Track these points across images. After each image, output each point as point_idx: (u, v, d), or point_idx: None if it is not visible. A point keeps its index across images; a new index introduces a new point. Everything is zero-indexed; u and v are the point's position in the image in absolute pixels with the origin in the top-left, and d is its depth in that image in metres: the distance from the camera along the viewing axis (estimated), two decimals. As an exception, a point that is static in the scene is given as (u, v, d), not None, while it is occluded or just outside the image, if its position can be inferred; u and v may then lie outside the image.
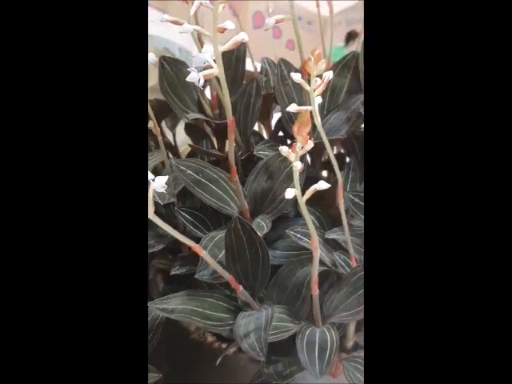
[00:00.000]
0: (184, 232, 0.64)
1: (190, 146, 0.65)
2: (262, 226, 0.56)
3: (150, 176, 0.42)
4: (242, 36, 0.46)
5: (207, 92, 0.69)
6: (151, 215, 0.43)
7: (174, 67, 0.65)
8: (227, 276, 0.52)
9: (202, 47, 0.62)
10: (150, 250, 0.60)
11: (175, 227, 0.64)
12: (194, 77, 0.46)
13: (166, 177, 0.43)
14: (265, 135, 0.70)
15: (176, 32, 0.76)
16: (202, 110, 0.67)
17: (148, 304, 0.53)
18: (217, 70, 0.47)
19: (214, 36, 0.46)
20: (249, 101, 0.63)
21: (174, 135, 0.72)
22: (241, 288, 0.53)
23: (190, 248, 0.65)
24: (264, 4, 1.33)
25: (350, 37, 1.08)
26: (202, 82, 0.46)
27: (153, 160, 0.62)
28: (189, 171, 0.57)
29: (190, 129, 0.70)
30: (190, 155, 0.69)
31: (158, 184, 0.43)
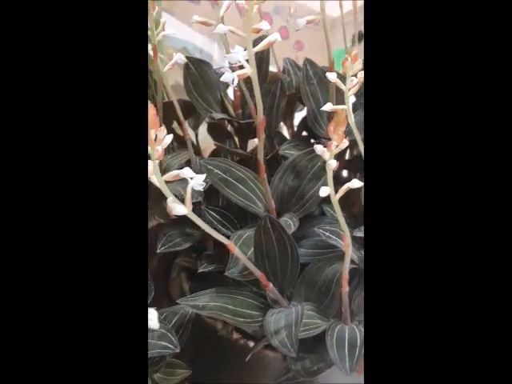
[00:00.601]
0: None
1: (215, 145, 0.65)
2: (289, 224, 0.57)
3: (190, 174, 0.42)
4: (276, 36, 0.47)
5: (229, 92, 0.69)
6: (189, 212, 0.44)
7: (198, 68, 0.66)
8: (258, 273, 0.52)
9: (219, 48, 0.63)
10: (176, 249, 0.60)
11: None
12: (229, 77, 0.47)
13: (204, 175, 0.44)
14: (286, 135, 0.71)
15: (189, 33, 0.75)
16: (224, 110, 0.68)
17: (178, 301, 0.53)
18: (250, 69, 0.47)
19: (248, 36, 0.46)
20: (273, 101, 0.63)
21: (196, 135, 0.72)
22: (271, 285, 0.53)
23: (215, 246, 0.66)
24: (271, 5, 1.34)
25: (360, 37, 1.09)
26: (236, 81, 0.47)
27: (179, 159, 0.63)
28: (216, 170, 0.58)
29: (213, 129, 0.70)
30: (213, 155, 0.69)
31: (196, 182, 0.44)
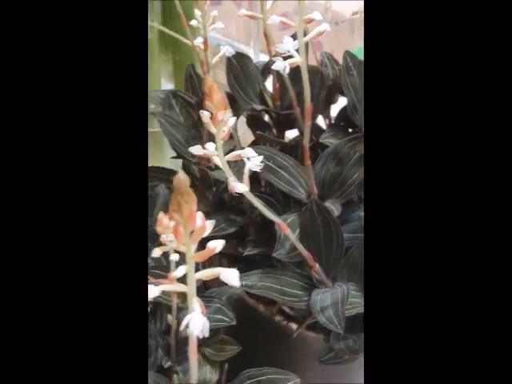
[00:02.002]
0: (250, 217, 0.68)
1: (256, 134, 0.68)
2: (332, 209, 0.59)
3: (251, 154, 0.45)
4: (325, 26, 0.50)
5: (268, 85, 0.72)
6: (248, 191, 0.46)
7: (240, 61, 0.69)
8: (305, 253, 0.55)
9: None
10: (222, 233, 0.63)
11: (242, 212, 0.68)
12: (280, 65, 0.50)
13: (262, 157, 0.46)
14: (323, 125, 0.73)
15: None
16: (263, 102, 0.71)
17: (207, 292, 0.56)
18: (300, 58, 0.50)
19: (300, 26, 0.49)
20: (313, 91, 0.66)
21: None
22: (317, 265, 0.56)
23: (256, 232, 0.68)
24: (292, 5, 1.36)
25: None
26: (287, 70, 0.50)
27: (225, 148, 0.65)
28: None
29: (252, 121, 0.73)
30: (252, 145, 0.72)
31: (253, 163, 0.46)
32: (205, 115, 0.42)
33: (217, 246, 0.33)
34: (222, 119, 0.41)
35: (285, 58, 0.50)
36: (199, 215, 0.32)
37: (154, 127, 0.84)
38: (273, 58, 0.50)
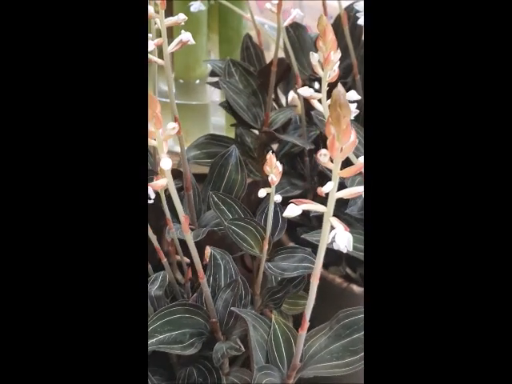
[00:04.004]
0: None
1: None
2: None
3: (355, 97, 0.46)
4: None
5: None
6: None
7: (296, 31, 0.70)
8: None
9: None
10: (288, 194, 0.64)
11: (302, 176, 0.69)
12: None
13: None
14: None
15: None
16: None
17: (303, 236, 0.57)
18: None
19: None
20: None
21: (286, 99, 0.77)
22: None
23: (315, 197, 0.70)
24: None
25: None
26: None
27: (285, 114, 0.67)
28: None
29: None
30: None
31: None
32: (314, 57, 0.43)
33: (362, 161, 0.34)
34: (333, 59, 0.43)
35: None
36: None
37: (198, 100, 0.85)
38: (357, 14, 0.52)
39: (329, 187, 0.34)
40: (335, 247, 0.35)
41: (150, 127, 0.37)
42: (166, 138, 0.38)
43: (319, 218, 0.64)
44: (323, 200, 0.61)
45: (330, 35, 0.42)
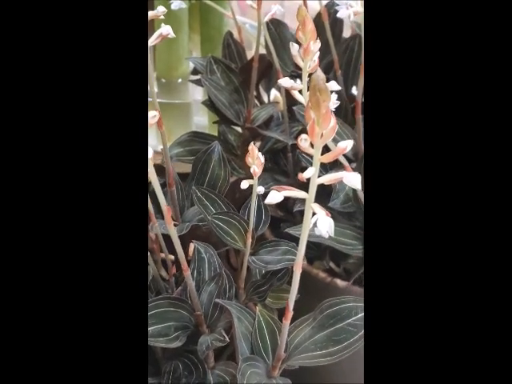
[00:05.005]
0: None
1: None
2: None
3: (335, 87, 0.47)
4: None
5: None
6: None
7: (277, 27, 0.71)
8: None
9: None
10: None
11: (284, 172, 0.69)
12: (345, 13, 0.52)
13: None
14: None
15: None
16: (298, 68, 0.73)
17: (287, 230, 0.57)
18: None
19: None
20: (351, 56, 0.68)
21: (268, 96, 0.77)
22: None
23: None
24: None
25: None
26: (352, 17, 0.52)
27: (267, 110, 0.68)
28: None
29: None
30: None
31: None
32: (294, 47, 0.44)
33: (347, 145, 0.34)
34: (312, 49, 0.43)
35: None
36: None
37: (180, 99, 0.85)
38: (336, 7, 0.52)
39: (310, 173, 0.35)
40: (317, 233, 0.35)
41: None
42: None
43: (303, 213, 0.65)
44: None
45: (310, 25, 0.42)
